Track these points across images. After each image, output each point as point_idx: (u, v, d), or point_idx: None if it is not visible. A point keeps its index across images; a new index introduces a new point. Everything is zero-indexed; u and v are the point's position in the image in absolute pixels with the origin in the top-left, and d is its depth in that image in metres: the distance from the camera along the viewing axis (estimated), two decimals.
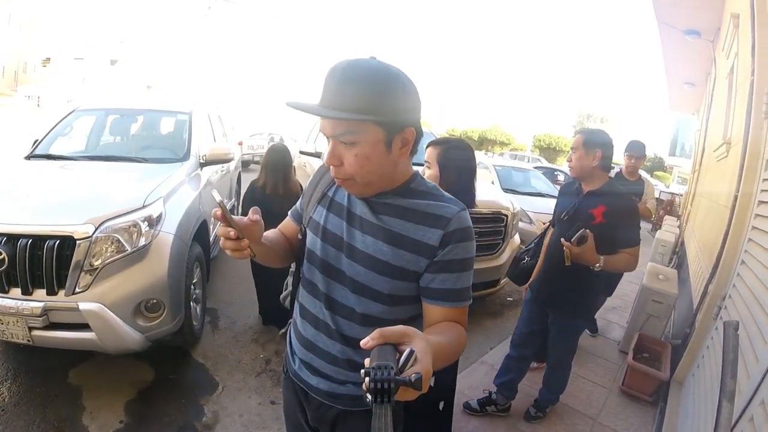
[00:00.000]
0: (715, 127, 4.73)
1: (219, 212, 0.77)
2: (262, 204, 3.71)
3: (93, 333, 1.94)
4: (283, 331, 3.43)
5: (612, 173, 2.80)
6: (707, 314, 2.48)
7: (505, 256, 3.48)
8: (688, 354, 2.56)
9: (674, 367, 2.66)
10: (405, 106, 0.77)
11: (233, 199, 4.96)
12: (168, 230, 2.24)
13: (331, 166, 0.80)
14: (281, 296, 1.26)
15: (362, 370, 0.49)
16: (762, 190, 2.10)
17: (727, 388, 1.22)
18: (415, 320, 0.88)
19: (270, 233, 1.02)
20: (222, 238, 0.78)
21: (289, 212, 1.08)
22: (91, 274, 1.94)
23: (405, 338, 0.56)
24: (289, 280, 1.18)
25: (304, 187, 1.08)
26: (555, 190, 6.01)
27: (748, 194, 2.36)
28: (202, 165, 3.16)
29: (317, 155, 4.15)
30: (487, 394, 2.36)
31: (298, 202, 1.04)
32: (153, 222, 2.17)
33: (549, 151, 34.14)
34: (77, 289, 1.92)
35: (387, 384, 0.47)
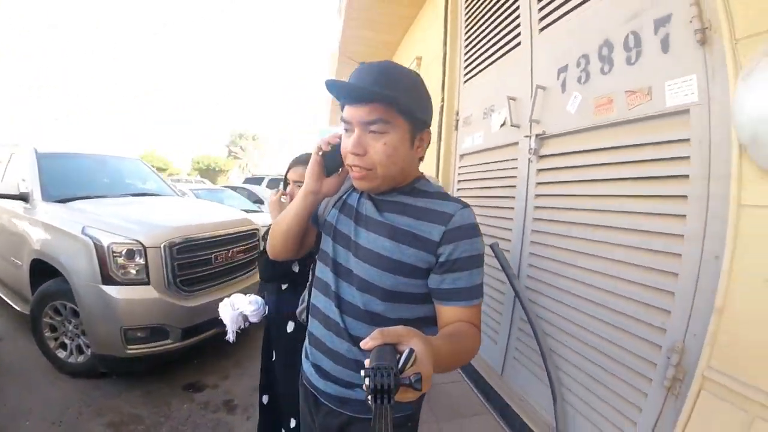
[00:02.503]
0: None
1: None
2: None
3: None
4: None
5: None
6: None
7: None
8: None
9: None
10: (428, 107, 0.84)
11: None
12: None
13: (350, 155, 0.81)
14: (297, 311, 1.14)
15: (362, 371, 0.50)
16: (458, 172, 3.38)
17: (510, 272, 2.13)
18: (424, 322, 0.87)
19: None
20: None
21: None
22: None
23: (404, 338, 0.56)
24: (305, 294, 1.14)
25: None
26: (255, 206, 6.57)
27: (446, 176, 3.69)
28: None
29: (18, 197, 2.84)
30: None
31: (319, 207, 1.01)
32: None
33: (209, 172, 34.24)
34: None
35: (387, 384, 0.47)
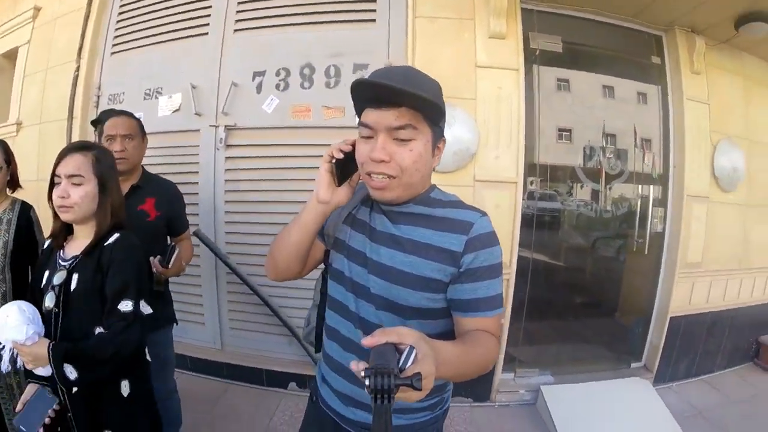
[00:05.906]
0: None
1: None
2: None
3: None
4: None
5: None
6: None
7: None
8: None
9: None
10: (444, 116, 0.80)
11: None
12: None
13: (371, 163, 0.75)
14: (303, 333, 1.05)
15: (362, 371, 0.50)
16: None
17: (219, 251, 2.23)
18: (445, 336, 0.80)
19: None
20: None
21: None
22: None
23: (405, 338, 0.56)
24: (312, 314, 1.05)
25: None
26: None
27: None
28: None
29: None
30: None
31: (326, 223, 0.91)
32: None
33: None
34: None
35: (387, 385, 0.47)
